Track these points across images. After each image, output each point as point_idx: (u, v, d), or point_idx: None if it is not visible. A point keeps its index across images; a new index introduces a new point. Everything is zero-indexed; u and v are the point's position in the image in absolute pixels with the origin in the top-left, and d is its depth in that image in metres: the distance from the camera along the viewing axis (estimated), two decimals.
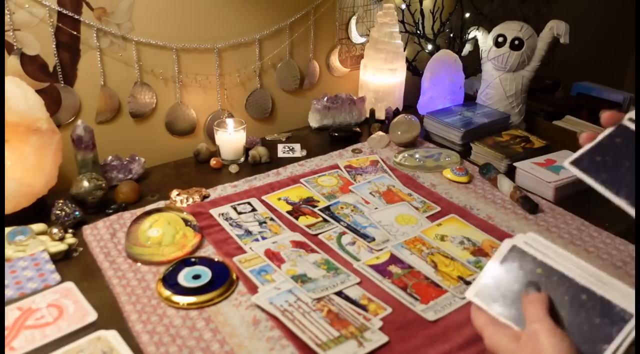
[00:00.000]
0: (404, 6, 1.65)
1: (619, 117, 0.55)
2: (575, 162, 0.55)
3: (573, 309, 0.51)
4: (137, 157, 1.23)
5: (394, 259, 0.97)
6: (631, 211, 0.50)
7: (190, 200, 1.13)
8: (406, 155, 1.34)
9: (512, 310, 0.54)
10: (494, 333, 0.54)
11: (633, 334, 0.48)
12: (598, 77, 1.73)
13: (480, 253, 0.99)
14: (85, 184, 1.07)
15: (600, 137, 0.55)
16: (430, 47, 1.70)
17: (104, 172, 1.18)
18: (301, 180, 1.23)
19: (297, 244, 0.99)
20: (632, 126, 0.54)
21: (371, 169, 1.29)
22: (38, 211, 1.03)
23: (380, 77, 1.56)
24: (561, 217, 1.12)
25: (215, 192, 1.18)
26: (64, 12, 1.12)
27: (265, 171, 1.28)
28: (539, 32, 1.44)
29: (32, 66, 1.13)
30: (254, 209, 1.11)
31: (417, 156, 1.33)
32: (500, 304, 0.55)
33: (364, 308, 0.84)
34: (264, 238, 1.01)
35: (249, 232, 1.03)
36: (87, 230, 1.02)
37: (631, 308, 0.49)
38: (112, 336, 0.77)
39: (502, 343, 0.53)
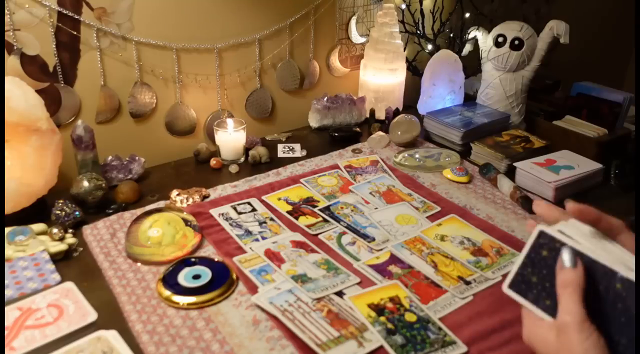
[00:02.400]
0: (404, 6, 1.65)
1: (554, 213, 0.54)
2: (511, 286, 0.53)
3: (608, 299, 0.47)
4: (137, 157, 1.23)
5: (394, 259, 0.96)
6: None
7: (190, 200, 1.13)
8: (406, 155, 1.34)
9: (545, 301, 0.51)
10: (532, 323, 0.53)
11: None
12: (598, 77, 1.73)
13: (480, 253, 0.98)
14: (85, 184, 1.07)
15: (526, 248, 0.53)
16: (430, 47, 1.70)
17: (104, 172, 1.18)
18: (301, 180, 1.23)
19: (297, 244, 0.99)
20: (555, 235, 0.51)
21: (371, 169, 1.29)
22: (38, 211, 1.03)
23: (380, 77, 1.56)
24: None
25: (215, 192, 1.18)
26: (64, 12, 1.12)
27: (265, 171, 1.28)
28: (539, 32, 1.44)
29: (32, 66, 1.13)
30: (254, 209, 1.11)
31: (417, 156, 1.33)
32: (534, 293, 0.52)
33: None
34: (264, 238, 1.01)
35: (249, 232, 1.03)
36: (87, 230, 1.02)
37: None
38: (112, 336, 0.77)
39: (539, 332, 0.52)
